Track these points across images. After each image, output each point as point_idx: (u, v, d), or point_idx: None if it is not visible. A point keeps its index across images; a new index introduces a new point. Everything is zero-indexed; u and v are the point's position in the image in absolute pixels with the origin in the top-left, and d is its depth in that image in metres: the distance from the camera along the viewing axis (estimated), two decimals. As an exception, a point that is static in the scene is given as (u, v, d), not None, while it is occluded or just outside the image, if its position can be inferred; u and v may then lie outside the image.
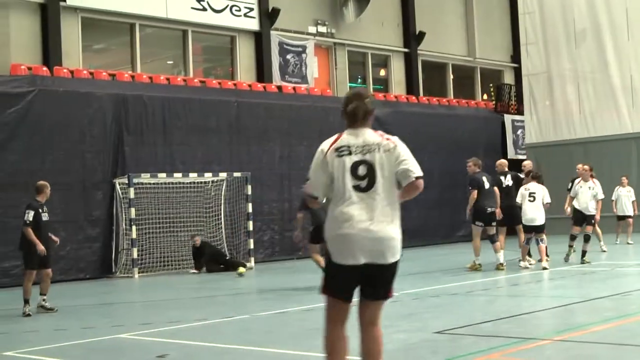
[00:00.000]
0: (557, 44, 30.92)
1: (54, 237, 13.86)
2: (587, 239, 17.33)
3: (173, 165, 22.14)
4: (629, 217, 23.03)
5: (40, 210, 13.33)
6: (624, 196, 23.24)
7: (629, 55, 28.98)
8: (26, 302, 13.17)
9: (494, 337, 9.04)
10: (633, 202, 23.21)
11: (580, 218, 17.54)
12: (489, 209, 16.97)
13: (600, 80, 29.75)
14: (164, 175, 21.45)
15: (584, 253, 17.16)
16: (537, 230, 16.53)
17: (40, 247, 13.03)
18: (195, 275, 20.19)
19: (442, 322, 10.20)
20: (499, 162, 18.83)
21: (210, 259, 20.81)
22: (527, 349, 8.27)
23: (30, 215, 13.18)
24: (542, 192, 16.62)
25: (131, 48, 24.42)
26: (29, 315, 12.96)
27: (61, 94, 20.44)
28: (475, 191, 17.21)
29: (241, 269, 16.47)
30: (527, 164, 18.88)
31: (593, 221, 17.51)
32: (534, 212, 16.49)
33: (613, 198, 23.30)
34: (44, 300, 13.45)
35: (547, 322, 10.05)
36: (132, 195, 20.45)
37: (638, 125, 28.74)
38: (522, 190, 16.89)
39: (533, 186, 16.71)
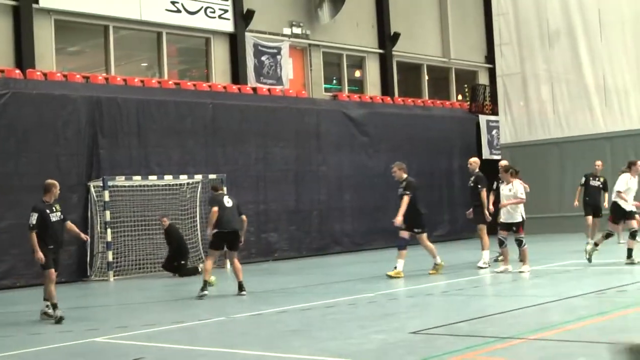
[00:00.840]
0: (531, 45, 31.10)
1: (82, 235, 13.63)
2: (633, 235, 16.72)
3: (148, 168, 22.07)
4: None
5: (48, 211, 12.61)
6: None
7: (602, 55, 29.18)
8: (54, 306, 12.45)
9: (470, 337, 9.06)
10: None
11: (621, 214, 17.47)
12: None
13: (573, 81, 29.94)
14: (139, 177, 21.36)
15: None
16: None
17: (39, 255, 12.32)
18: (170, 279, 20.06)
19: (418, 322, 10.23)
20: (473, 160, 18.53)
21: (179, 248, 20.64)
22: (503, 348, 8.30)
23: (33, 219, 12.45)
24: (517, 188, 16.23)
25: (105, 50, 24.30)
26: (62, 318, 12.19)
27: (35, 96, 20.31)
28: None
29: (212, 279, 15.69)
30: (503, 164, 18.96)
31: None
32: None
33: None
34: (47, 306, 12.72)
35: (522, 321, 10.09)
36: (106, 198, 20.35)
37: (611, 125, 28.94)
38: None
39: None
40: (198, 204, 22.45)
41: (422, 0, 33.68)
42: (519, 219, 15.90)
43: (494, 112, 33.08)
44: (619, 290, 12.33)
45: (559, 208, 29.37)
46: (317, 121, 26.75)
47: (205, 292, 14.51)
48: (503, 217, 16.00)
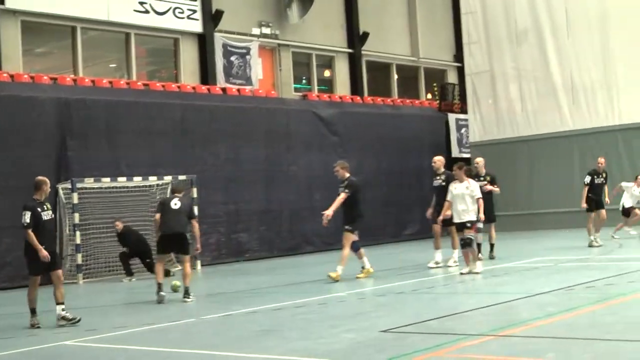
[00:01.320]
0: (499, 43, 31.30)
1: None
2: None
3: (118, 169, 21.94)
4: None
5: (40, 209, 12.18)
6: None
7: (569, 54, 29.42)
8: (33, 312, 12.13)
9: (440, 335, 9.11)
10: None
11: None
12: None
13: (541, 79, 30.17)
14: (108, 179, 21.23)
15: None
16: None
17: (43, 253, 11.90)
18: (139, 281, 19.93)
19: (388, 320, 10.26)
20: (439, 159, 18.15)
21: (137, 249, 20.36)
22: (472, 345, 8.35)
23: (27, 217, 11.99)
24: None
25: (73, 51, 24.13)
26: (38, 327, 11.90)
27: (1, 98, 20.14)
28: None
29: (176, 283, 15.35)
30: (480, 162, 19.00)
31: None
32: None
33: None
34: (63, 309, 12.12)
35: (491, 318, 10.15)
36: (75, 200, 20.21)
37: (579, 122, 29.18)
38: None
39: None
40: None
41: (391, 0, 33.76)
42: (473, 218, 15.46)
43: (463, 110, 33.25)
44: (588, 286, 12.44)
45: (528, 206, 29.59)
46: (287, 121, 26.74)
47: (162, 294, 14.19)
48: (456, 218, 15.59)
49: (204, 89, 25.68)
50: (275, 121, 26.37)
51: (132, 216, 21.38)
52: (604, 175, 20.67)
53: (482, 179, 18.38)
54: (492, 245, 18.47)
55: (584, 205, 19.91)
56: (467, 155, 31.76)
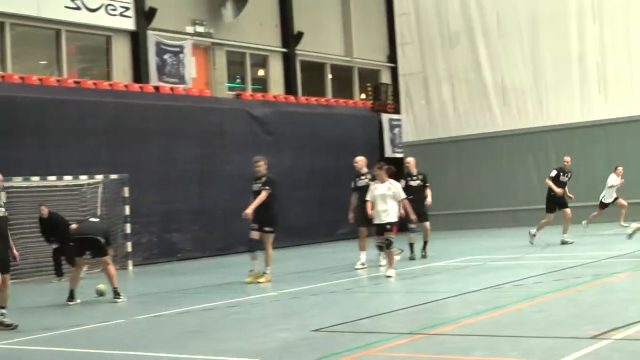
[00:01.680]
0: (432, 45, 31.64)
1: (13, 250, 12.03)
2: None
3: (48, 168, 21.58)
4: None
5: None
6: None
7: (500, 56, 29.89)
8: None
9: (371, 333, 9.17)
10: None
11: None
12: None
13: (473, 81, 30.59)
14: (37, 178, 20.88)
15: None
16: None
17: None
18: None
19: (321, 319, 10.30)
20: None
21: (66, 238, 19.73)
22: (403, 343, 8.43)
23: None
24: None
25: (1, 48, 23.68)
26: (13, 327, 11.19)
27: None
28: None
29: (100, 287, 14.91)
30: (411, 161, 19.12)
31: None
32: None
33: None
34: (2, 314, 11.45)
35: (422, 316, 10.25)
36: (3, 200, 19.83)
37: (509, 123, 29.66)
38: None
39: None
40: (99, 204, 22.11)
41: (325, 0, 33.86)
42: (394, 219, 15.07)
43: (396, 110, 33.51)
44: (515, 284, 12.65)
45: (459, 205, 29.94)
46: (221, 120, 26.64)
47: (72, 302, 13.95)
48: (376, 219, 15.12)
49: (136, 87, 25.44)
50: (209, 120, 26.26)
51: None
52: (569, 174, 20.57)
53: (414, 178, 18.54)
54: (425, 243, 18.64)
55: (559, 190, 19.76)
56: (401, 155, 32.02)
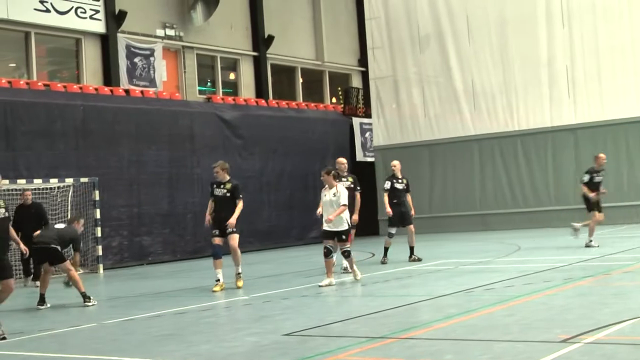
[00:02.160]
0: (402, 49, 31.75)
1: (22, 246, 12.36)
2: None
3: (17, 171, 21.41)
4: None
5: None
6: None
7: (470, 60, 30.05)
8: None
9: (342, 337, 9.18)
10: None
11: None
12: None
13: (443, 84, 30.74)
14: (6, 181, 20.66)
15: None
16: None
17: None
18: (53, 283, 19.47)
19: (292, 323, 10.29)
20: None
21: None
22: (374, 347, 8.44)
23: None
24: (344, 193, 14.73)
25: (-30, 50, 23.50)
26: (3, 338, 10.51)
27: None
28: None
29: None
30: (396, 164, 18.89)
31: None
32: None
33: None
34: None
35: (393, 320, 10.27)
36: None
37: (479, 127, 29.81)
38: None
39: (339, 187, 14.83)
40: (69, 207, 21.96)
41: (296, 3, 33.88)
42: (346, 227, 14.62)
43: (367, 114, 33.58)
44: (487, 288, 12.70)
45: (430, 209, 30.04)
46: (191, 123, 26.56)
47: (43, 307, 13.92)
48: (326, 225, 14.64)
49: (106, 90, 25.31)
50: (179, 123, 26.18)
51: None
52: (602, 173, 19.46)
53: (399, 181, 18.43)
54: (411, 249, 18.65)
55: (593, 195, 18.94)
56: (372, 159, 32.12)
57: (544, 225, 27.30)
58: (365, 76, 35.04)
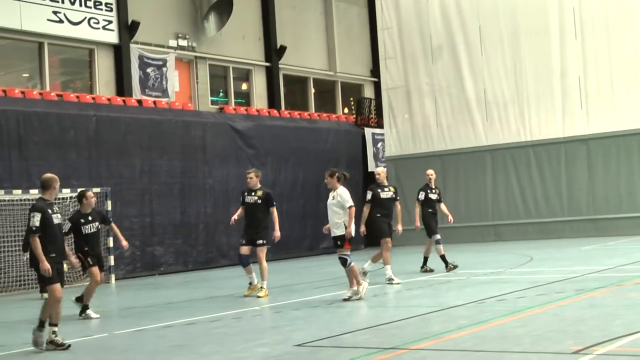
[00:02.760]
0: (415, 59, 31.72)
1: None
2: None
3: (30, 181, 21.44)
4: None
5: (50, 211, 10.68)
6: None
7: (483, 70, 30.00)
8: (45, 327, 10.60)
9: (353, 348, 9.16)
10: None
11: None
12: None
13: (456, 95, 30.68)
14: (19, 191, 20.77)
15: None
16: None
17: (45, 266, 10.26)
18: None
19: (303, 334, 10.27)
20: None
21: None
22: (385, 358, 8.42)
23: (36, 219, 10.43)
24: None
25: (-17, 60, 23.62)
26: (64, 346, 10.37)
27: None
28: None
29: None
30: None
31: None
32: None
33: None
34: (54, 332, 10.54)
35: (405, 331, 10.24)
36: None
37: (492, 137, 29.74)
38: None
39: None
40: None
41: (308, 14, 33.95)
42: (343, 231, 13.75)
43: (380, 125, 33.56)
44: (498, 299, 12.66)
45: (442, 219, 29.90)
46: (203, 134, 26.60)
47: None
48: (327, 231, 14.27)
49: (119, 100, 25.39)
50: (192, 134, 26.22)
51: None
52: None
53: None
54: (425, 259, 18.62)
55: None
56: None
57: (556, 237, 27.20)
58: (377, 86, 35.03)
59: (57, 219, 10.81)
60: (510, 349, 8.39)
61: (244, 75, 31.60)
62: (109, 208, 22.20)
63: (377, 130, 33.56)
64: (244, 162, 27.40)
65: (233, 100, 30.64)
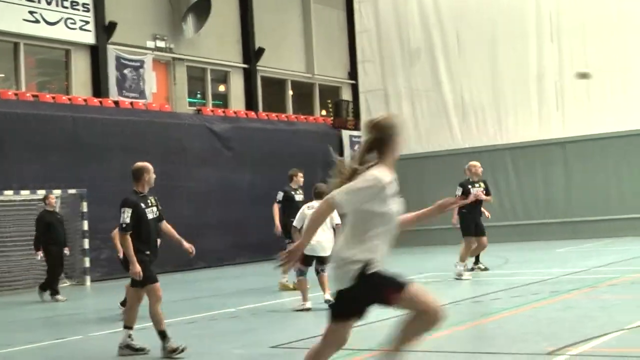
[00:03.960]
0: (393, 62, 31.82)
1: (185, 244, 10.58)
2: None
3: (6, 183, 21.29)
4: None
5: (144, 205, 9.87)
6: None
7: (460, 74, 30.13)
8: (163, 334, 9.65)
9: (329, 350, 9.14)
10: None
11: None
12: None
13: (433, 98, 30.80)
14: (-7, 192, 20.62)
15: None
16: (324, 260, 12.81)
17: (136, 269, 9.59)
18: (32, 294, 19.39)
19: (279, 336, 10.26)
20: None
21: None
22: (360, 360, 8.43)
23: (127, 216, 9.64)
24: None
25: (-42, 61, 23.43)
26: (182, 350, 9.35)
27: None
28: None
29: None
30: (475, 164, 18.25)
31: None
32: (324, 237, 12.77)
33: None
34: (129, 336, 9.86)
35: (379, 333, 10.22)
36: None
37: (469, 141, 29.86)
38: (305, 209, 13.50)
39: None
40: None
41: (287, 16, 33.93)
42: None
43: (357, 127, 33.60)
44: (474, 300, 12.71)
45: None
46: (181, 136, 26.52)
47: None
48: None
49: (96, 101, 25.26)
50: (169, 135, 26.13)
51: (18, 231, 20.80)
52: None
53: (476, 185, 17.65)
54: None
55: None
56: (361, 172, 32.08)
57: (533, 239, 27.33)
58: (355, 89, 35.09)
59: (151, 213, 9.94)
60: (486, 350, 8.44)
61: (222, 77, 31.53)
62: (85, 210, 22.09)
63: (355, 133, 33.60)
64: (222, 164, 27.37)
65: (211, 102, 30.57)
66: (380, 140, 6.45)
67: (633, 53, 27.36)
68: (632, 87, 27.30)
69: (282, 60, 33.16)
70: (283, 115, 32.21)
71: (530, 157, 28.66)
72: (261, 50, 31.84)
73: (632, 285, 13.75)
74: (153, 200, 10.10)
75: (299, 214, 13.45)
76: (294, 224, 13.29)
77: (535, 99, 28.67)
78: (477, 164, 18.17)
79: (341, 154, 32.67)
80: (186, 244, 10.63)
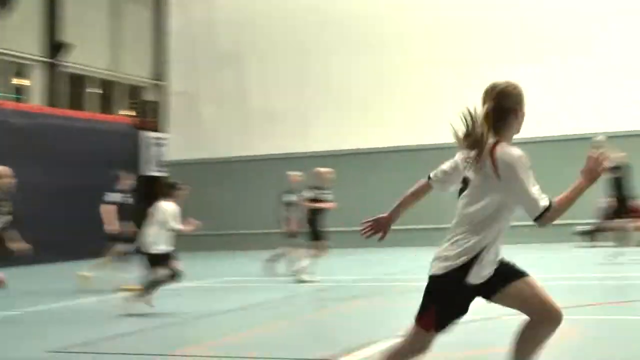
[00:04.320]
0: (201, 65, 31.87)
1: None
2: None
3: None
4: None
5: None
6: None
7: (268, 79, 30.59)
8: None
9: (110, 355, 9.14)
10: None
11: None
12: None
13: (240, 103, 31.10)
14: None
15: None
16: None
17: None
18: None
19: (59, 340, 10.14)
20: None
21: None
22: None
23: None
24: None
25: None
26: None
27: None
28: None
29: None
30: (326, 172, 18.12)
31: None
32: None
33: None
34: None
35: (166, 335, 10.32)
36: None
37: (272, 147, 30.28)
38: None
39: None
40: None
41: (95, 12, 33.23)
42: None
43: (161, 128, 33.37)
44: (260, 306, 12.99)
45: (222, 226, 30.13)
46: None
47: None
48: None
49: None
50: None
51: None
52: None
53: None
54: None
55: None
56: (164, 174, 31.91)
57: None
58: (161, 90, 34.82)
59: None
60: (263, 356, 8.67)
61: (24, 71, 30.54)
62: None
63: (158, 134, 33.32)
64: (20, 162, 26.38)
65: (10, 96, 29.54)
66: (507, 110, 5.21)
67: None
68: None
69: (87, 56, 32.44)
70: (84, 113, 31.54)
71: (331, 165, 29.30)
72: (66, 45, 31.07)
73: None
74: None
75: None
76: None
77: (336, 109, 29.50)
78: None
79: (138, 154, 32.32)
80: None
